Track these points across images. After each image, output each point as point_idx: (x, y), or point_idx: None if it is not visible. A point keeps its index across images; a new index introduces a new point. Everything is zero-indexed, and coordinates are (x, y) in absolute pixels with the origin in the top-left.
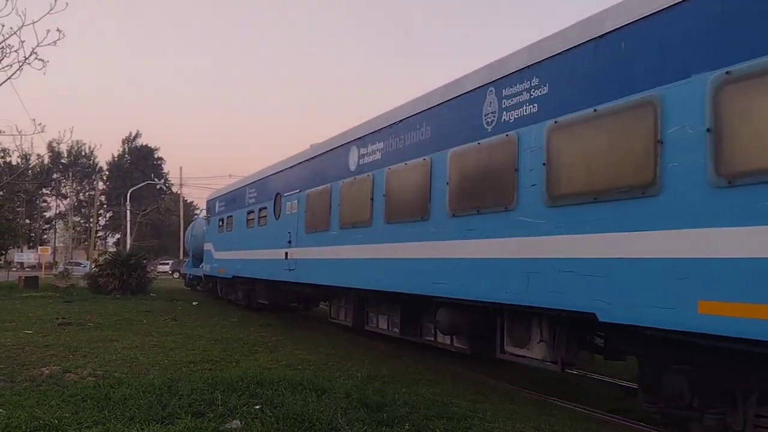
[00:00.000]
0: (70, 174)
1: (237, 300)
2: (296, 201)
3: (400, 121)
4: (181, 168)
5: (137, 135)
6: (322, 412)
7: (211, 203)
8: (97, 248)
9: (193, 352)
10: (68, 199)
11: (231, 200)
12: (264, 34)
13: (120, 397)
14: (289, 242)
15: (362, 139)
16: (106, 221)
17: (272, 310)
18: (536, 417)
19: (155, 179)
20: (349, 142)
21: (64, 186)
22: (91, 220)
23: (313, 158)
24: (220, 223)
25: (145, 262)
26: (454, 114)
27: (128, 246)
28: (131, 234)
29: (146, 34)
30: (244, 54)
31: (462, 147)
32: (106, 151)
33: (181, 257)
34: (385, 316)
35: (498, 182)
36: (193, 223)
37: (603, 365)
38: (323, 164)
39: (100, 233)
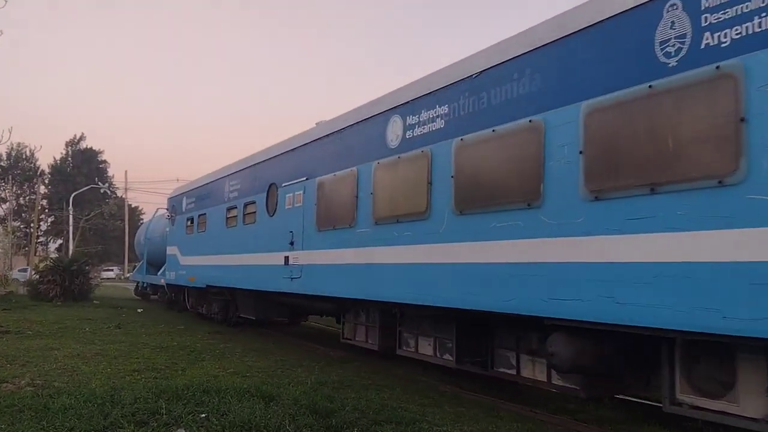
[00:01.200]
0: (10, 177)
1: (211, 314)
2: (301, 192)
3: (483, 71)
4: (126, 172)
5: (81, 137)
6: (270, 420)
7: (175, 200)
8: (38, 254)
9: (138, 361)
10: (8, 204)
11: (203, 195)
12: (214, 36)
13: (59, 407)
14: (291, 244)
15: (411, 104)
16: (47, 226)
17: (261, 326)
18: (484, 419)
19: (99, 183)
20: (387, 111)
21: (4, 190)
22: (32, 225)
23: (327, 136)
24: (189, 222)
25: (88, 268)
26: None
27: (71, 252)
28: (74, 239)
29: (89, 33)
30: (192, 56)
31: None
32: (48, 154)
33: (127, 263)
34: (430, 339)
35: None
36: (146, 223)
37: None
38: (344, 143)
39: (41, 239)
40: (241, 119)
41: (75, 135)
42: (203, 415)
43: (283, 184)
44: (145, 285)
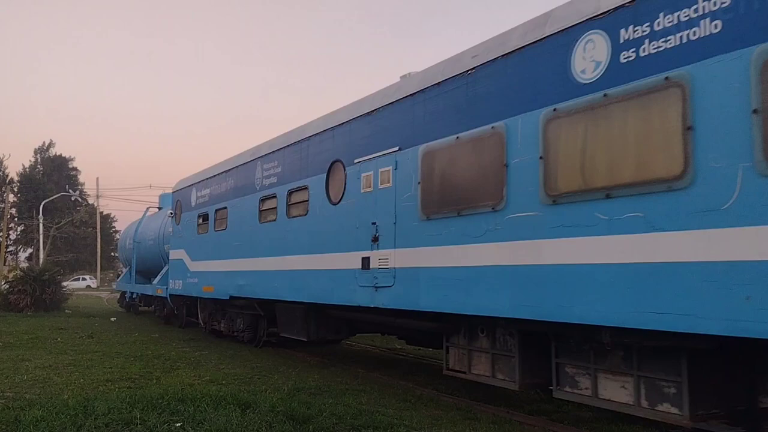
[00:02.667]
0: None
1: (233, 331)
2: (389, 167)
3: None
4: (97, 179)
5: (50, 144)
6: (247, 428)
7: (181, 194)
8: (7, 264)
9: (111, 370)
10: None
11: (223, 186)
12: (180, 41)
13: (31, 419)
14: (375, 240)
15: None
16: (17, 235)
17: (307, 345)
18: (461, 422)
19: (70, 191)
20: (576, 26)
21: None
22: (1, 234)
23: (436, 86)
24: (201, 220)
25: (60, 277)
26: None
27: (41, 261)
28: (44, 248)
29: (56, 38)
30: (158, 61)
31: None
32: (16, 162)
33: (99, 271)
34: (628, 380)
35: None
36: (134, 225)
37: None
38: (474, 90)
39: (10, 248)
40: (215, 123)
41: (44, 142)
42: (178, 425)
43: (356, 161)
44: (134, 296)
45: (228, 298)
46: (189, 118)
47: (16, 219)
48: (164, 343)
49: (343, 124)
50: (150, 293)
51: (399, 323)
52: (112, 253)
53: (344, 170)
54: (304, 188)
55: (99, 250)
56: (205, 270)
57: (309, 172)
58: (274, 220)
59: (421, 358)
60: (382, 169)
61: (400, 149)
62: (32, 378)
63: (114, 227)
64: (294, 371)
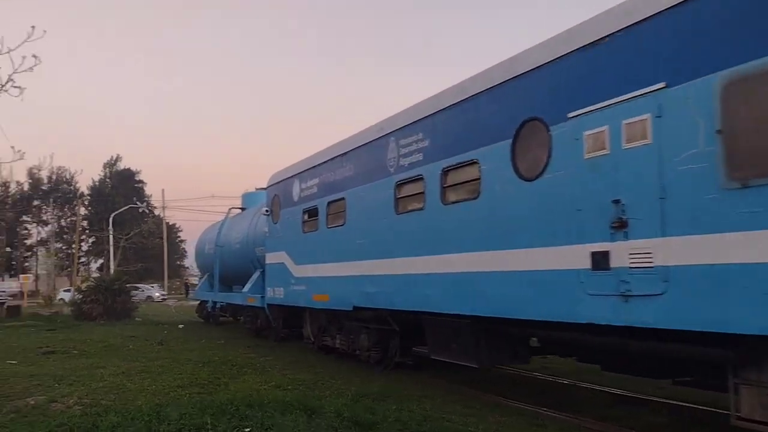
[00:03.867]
0: (51, 200)
1: (355, 349)
2: (648, 115)
3: None
4: (163, 190)
5: (118, 159)
6: None
7: (279, 188)
8: (80, 274)
9: (181, 376)
10: (49, 226)
11: (337, 172)
12: (241, 57)
13: (108, 425)
14: (620, 226)
15: None
16: (88, 247)
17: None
18: (527, 429)
19: (137, 202)
20: None
21: (45, 212)
22: (74, 246)
23: None
24: (308, 216)
25: (128, 286)
26: None
27: (112, 271)
28: (115, 259)
29: (122, 58)
30: (221, 75)
31: None
32: (86, 176)
33: (166, 280)
34: None
35: None
36: (215, 227)
37: (593, 373)
38: None
39: (82, 259)
40: (270, 136)
41: (112, 156)
42: (247, 430)
43: (571, 114)
44: (217, 305)
45: (351, 309)
46: (250, 131)
47: (87, 231)
48: (230, 349)
49: (544, 66)
50: (238, 302)
51: (652, 349)
52: (178, 262)
53: (547, 131)
54: (471, 163)
55: (166, 260)
56: (314, 275)
57: (479, 140)
58: (421, 208)
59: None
60: (628, 121)
61: (667, 86)
62: (107, 384)
63: (179, 237)
64: (356, 377)
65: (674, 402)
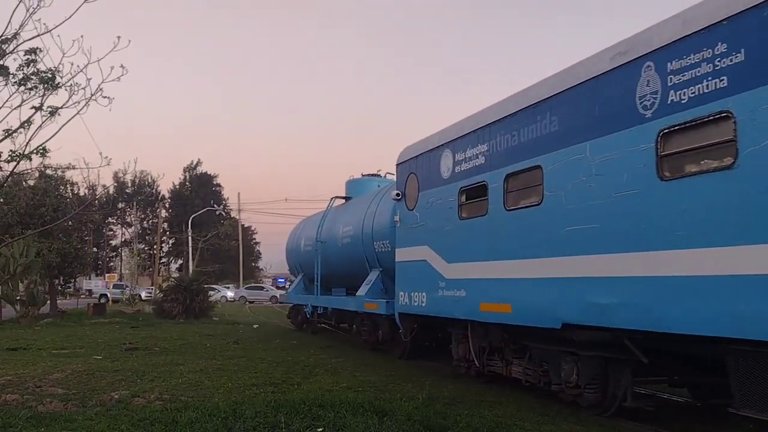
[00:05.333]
0: (135, 203)
1: (553, 382)
2: None
3: None
4: (239, 194)
5: (198, 163)
6: None
7: (418, 164)
8: (161, 274)
9: (256, 375)
10: (133, 227)
11: (525, 132)
12: (311, 66)
13: (187, 420)
14: None
15: None
16: (169, 248)
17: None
18: None
19: (215, 205)
20: None
21: (129, 215)
22: (155, 246)
23: None
24: (465, 198)
25: (206, 287)
26: None
27: (191, 271)
28: (193, 259)
29: (197, 68)
30: (296, 82)
31: None
32: (167, 180)
33: (242, 281)
34: None
35: None
36: (316, 219)
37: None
38: None
39: (163, 259)
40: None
41: (192, 161)
42: (320, 430)
43: None
44: (319, 311)
45: (558, 326)
46: (324, 135)
47: (168, 232)
48: (302, 350)
49: None
50: (351, 308)
51: None
52: (253, 264)
53: None
54: None
55: (241, 261)
56: (480, 276)
57: None
58: (728, 167)
59: None
60: None
61: None
62: (186, 381)
63: (254, 239)
64: (428, 380)
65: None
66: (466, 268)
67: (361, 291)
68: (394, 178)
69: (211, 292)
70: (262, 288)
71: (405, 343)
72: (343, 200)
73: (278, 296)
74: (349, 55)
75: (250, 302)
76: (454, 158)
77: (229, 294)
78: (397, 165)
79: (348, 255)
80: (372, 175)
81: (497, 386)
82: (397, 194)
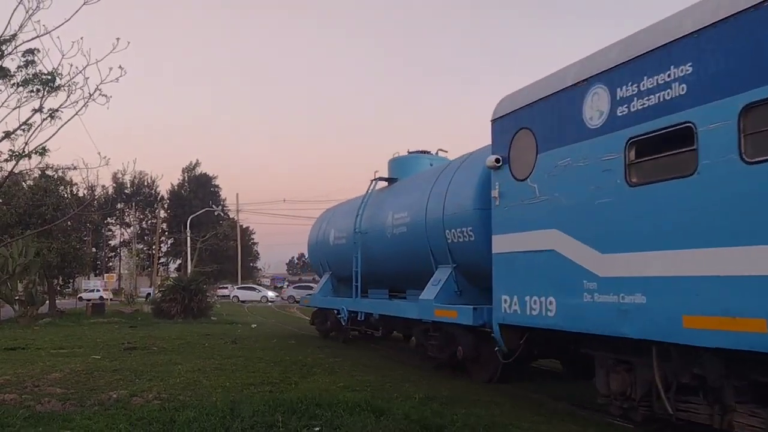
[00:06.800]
0: (134, 203)
1: None
2: None
3: None
4: (237, 194)
5: (197, 164)
6: None
7: (532, 116)
8: (159, 274)
9: (254, 374)
10: (132, 228)
11: None
12: (313, 69)
13: (184, 420)
14: None
15: None
16: (167, 248)
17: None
18: None
19: (213, 206)
20: None
21: (128, 215)
22: (154, 247)
23: None
24: (642, 154)
25: (206, 287)
26: None
27: (189, 271)
28: (192, 260)
29: (196, 69)
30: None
31: None
32: (166, 181)
33: (240, 281)
34: None
35: None
36: (343, 208)
37: None
38: None
39: (162, 260)
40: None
41: (191, 162)
42: (317, 429)
43: None
44: (361, 317)
45: None
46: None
47: (166, 233)
48: (300, 349)
49: None
50: (412, 316)
51: None
52: (251, 264)
53: None
54: None
55: (240, 261)
56: (682, 274)
57: None
58: None
59: (555, 370)
60: None
61: None
62: (184, 380)
63: (252, 239)
64: (424, 380)
65: None
66: (646, 261)
67: (428, 294)
68: (446, 155)
69: (219, 291)
70: (254, 289)
71: (495, 363)
72: (386, 183)
73: (283, 297)
74: (349, 54)
75: (242, 302)
76: (612, 96)
77: (270, 294)
78: (494, 121)
79: (402, 248)
80: (421, 152)
81: (493, 386)
82: (497, 160)
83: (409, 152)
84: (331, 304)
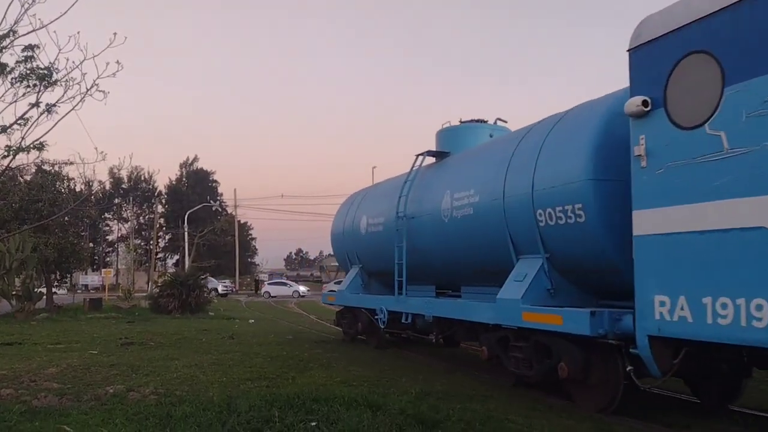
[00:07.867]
0: (131, 198)
1: None
2: None
3: None
4: (235, 190)
5: (195, 159)
6: (377, 429)
7: (719, 28)
8: (157, 269)
9: (251, 370)
10: (129, 223)
11: None
12: (314, 64)
13: (181, 414)
14: None
15: None
16: (165, 243)
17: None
18: None
19: (211, 201)
20: None
21: (125, 210)
22: (152, 242)
23: None
24: None
25: (203, 281)
26: None
27: (187, 266)
28: (189, 255)
29: (194, 65)
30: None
31: None
32: (164, 176)
33: (237, 276)
34: None
35: None
36: (379, 189)
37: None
38: None
39: (159, 255)
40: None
41: (188, 157)
42: (313, 424)
43: None
44: (408, 319)
45: None
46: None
47: (164, 228)
48: (297, 345)
49: None
50: (486, 321)
51: None
52: (249, 259)
53: None
54: None
55: (237, 256)
56: None
57: None
58: None
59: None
60: None
61: None
62: (181, 376)
63: (250, 234)
64: (421, 375)
65: (744, 410)
66: None
67: (510, 292)
68: (506, 125)
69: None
70: (285, 284)
71: (613, 387)
72: (434, 158)
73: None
74: (349, 55)
75: (273, 297)
76: None
77: (302, 288)
78: (634, 50)
79: (466, 234)
80: (477, 120)
81: (490, 381)
82: (644, 103)
83: (461, 122)
84: (366, 302)
